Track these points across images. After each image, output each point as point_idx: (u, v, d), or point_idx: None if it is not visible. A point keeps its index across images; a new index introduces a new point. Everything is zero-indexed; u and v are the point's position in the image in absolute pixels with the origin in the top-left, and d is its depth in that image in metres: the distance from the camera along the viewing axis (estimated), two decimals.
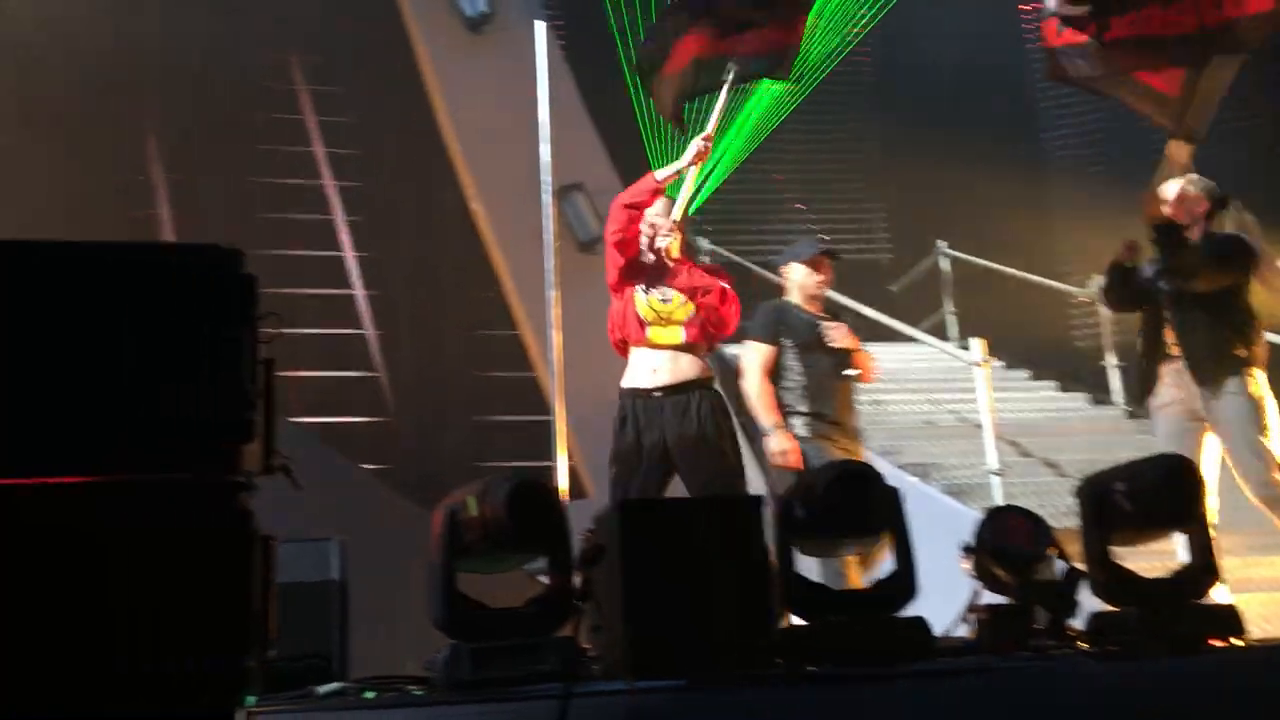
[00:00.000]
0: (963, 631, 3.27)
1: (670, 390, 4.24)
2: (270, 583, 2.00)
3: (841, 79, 10.35)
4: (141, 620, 1.87)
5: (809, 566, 3.33)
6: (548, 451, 5.75)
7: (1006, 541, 3.21)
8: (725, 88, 4.85)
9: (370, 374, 8.22)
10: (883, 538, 3.05)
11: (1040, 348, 8.65)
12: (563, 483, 5.47)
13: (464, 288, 8.35)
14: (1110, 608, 3.11)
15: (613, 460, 4.26)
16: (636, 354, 4.34)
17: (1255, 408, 4.29)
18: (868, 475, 2.93)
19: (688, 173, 4.53)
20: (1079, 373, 8.67)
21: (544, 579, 2.84)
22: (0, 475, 1.90)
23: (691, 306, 4.31)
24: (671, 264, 4.41)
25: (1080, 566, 3.14)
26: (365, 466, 7.34)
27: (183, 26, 8.30)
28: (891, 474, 6.08)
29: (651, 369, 4.28)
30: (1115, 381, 7.91)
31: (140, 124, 8.33)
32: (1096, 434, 7.40)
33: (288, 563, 2.55)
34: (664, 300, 4.33)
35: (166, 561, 1.89)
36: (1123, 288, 4.64)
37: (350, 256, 8.54)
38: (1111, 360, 7.93)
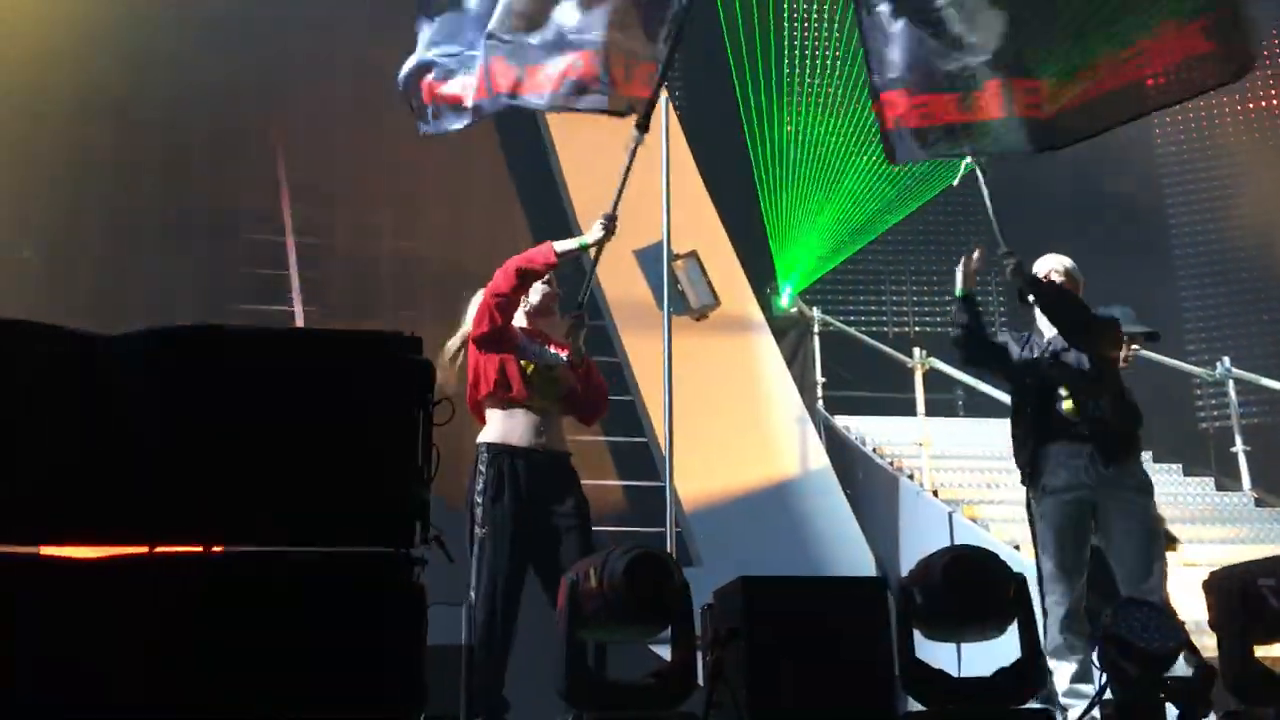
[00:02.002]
0: None
1: (552, 457, 4.15)
2: (424, 650, 2.09)
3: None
4: (321, 685, 1.97)
5: None
6: (659, 517, 5.78)
7: (1135, 635, 3.12)
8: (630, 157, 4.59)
9: None
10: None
11: (1164, 431, 8.41)
12: (670, 549, 5.48)
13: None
14: (1246, 708, 3.00)
15: (489, 521, 4.06)
16: (514, 412, 4.17)
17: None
18: (985, 561, 2.90)
19: (590, 252, 4.36)
20: (1204, 457, 8.41)
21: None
22: (189, 542, 2.05)
23: (570, 376, 4.24)
24: (544, 325, 4.36)
25: (1213, 663, 3.05)
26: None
27: (322, 93, 8.71)
28: (1008, 558, 5.97)
29: (536, 431, 4.15)
30: (1244, 467, 7.64)
31: (277, 187, 8.71)
32: (1222, 522, 7.16)
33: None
34: (547, 365, 4.24)
35: (341, 633, 2.00)
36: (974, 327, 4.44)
37: None
38: (1241, 445, 7.67)
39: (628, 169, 4.57)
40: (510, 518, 4.03)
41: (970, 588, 2.85)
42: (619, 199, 4.46)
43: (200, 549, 2.08)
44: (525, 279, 4.20)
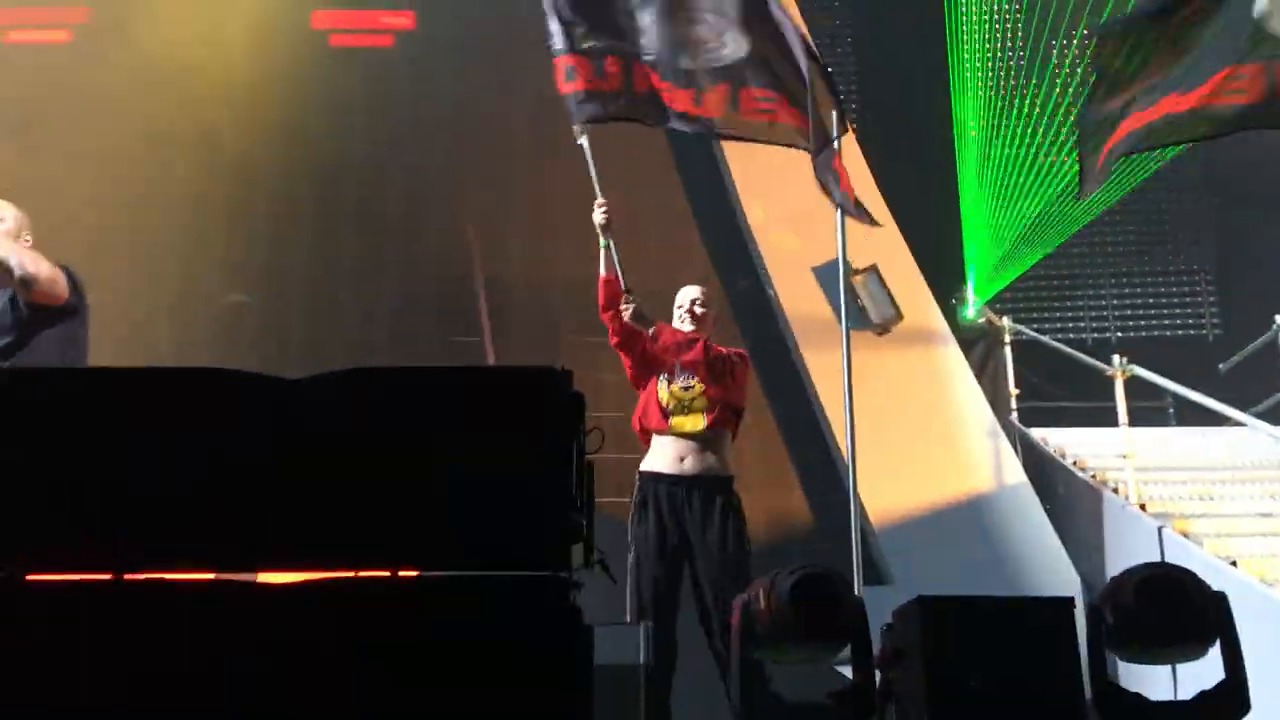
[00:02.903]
0: None
1: (695, 482, 4.24)
2: (590, 670, 2.17)
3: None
4: (479, 707, 2.08)
5: None
6: (847, 535, 5.69)
7: None
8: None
9: None
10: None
11: None
12: (857, 568, 5.39)
13: (761, 371, 8.49)
14: None
15: (632, 546, 4.25)
16: (660, 441, 4.35)
17: None
18: (1181, 579, 2.74)
19: (609, 243, 4.57)
20: None
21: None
22: (356, 568, 2.21)
23: (711, 394, 4.31)
24: (697, 343, 4.38)
25: None
26: None
27: (502, 127, 9.05)
28: (1224, 574, 5.61)
29: (678, 457, 4.27)
30: None
31: (462, 223, 9.08)
32: None
33: (595, 645, 2.67)
34: (685, 388, 4.34)
35: (504, 651, 2.11)
36: None
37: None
38: None
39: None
40: (651, 542, 4.21)
41: (1164, 608, 2.71)
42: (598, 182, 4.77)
43: (389, 573, 2.23)
44: (607, 310, 4.47)
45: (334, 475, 2.26)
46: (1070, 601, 2.80)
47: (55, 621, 2.20)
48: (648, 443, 4.43)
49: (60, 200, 8.32)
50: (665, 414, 4.34)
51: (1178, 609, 2.71)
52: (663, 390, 4.39)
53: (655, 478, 4.30)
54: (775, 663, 2.86)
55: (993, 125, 9.37)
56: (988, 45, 9.59)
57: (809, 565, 2.73)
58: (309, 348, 8.35)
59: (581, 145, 4.86)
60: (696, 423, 4.30)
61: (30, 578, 2.22)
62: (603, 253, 4.61)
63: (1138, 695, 2.93)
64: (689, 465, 4.27)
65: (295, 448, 2.29)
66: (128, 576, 2.24)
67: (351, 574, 2.23)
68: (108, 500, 2.26)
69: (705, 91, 5.00)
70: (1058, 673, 2.68)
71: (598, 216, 4.62)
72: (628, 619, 4.10)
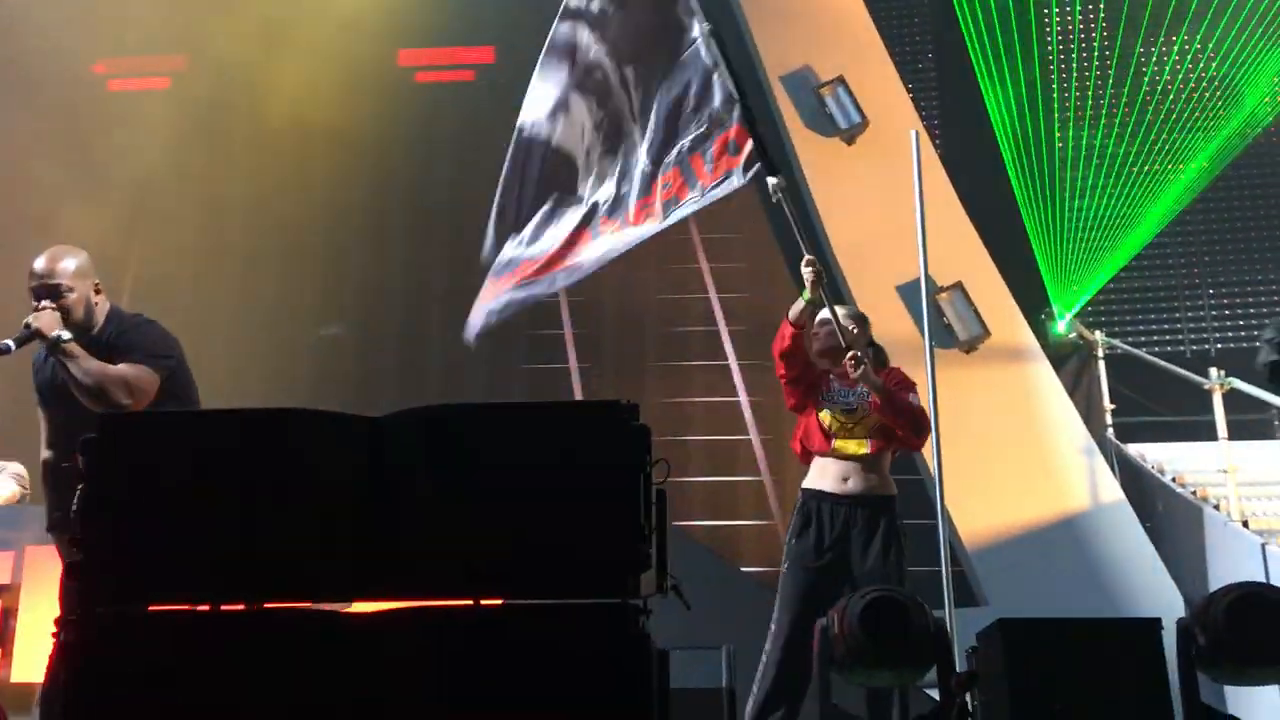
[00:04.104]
0: None
1: (859, 502, 4.24)
2: (665, 694, 2.21)
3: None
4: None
5: None
6: (934, 556, 5.64)
7: None
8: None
9: (754, 478, 8.44)
10: None
11: None
12: (947, 590, 5.33)
13: None
14: None
15: (789, 558, 4.27)
16: (822, 461, 4.36)
17: None
18: (1275, 599, 2.68)
19: (819, 299, 4.39)
20: None
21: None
22: (435, 596, 2.31)
23: (875, 417, 4.30)
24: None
25: None
26: (748, 570, 7.51)
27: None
28: None
29: (841, 477, 4.29)
30: None
31: None
32: None
33: (678, 670, 2.71)
34: (847, 410, 4.36)
35: (573, 676, 2.18)
36: None
37: (734, 365, 8.90)
38: None
39: (795, 217, 4.57)
40: (809, 554, 4.23)
41: (1256, 628, 2.65)
42: (801, 240, 4.53)
43: (472, 602, 2.32)
44: (786, 359, 4.41)
45: (418, 509, 2.35)
46: (1157, 622, 2.76)
47: (168, 649, 2.33)
48: (808, 462, 4.48)
49: (166, 240, 8.70)
50: (828, 436, 4.38)
51: (1270, 629, 2.65)
52: (824, 414, 4.42)
53: (820, 496, 4.35)
54: (855, 683, 2.86)
55: (1075, 137, 9.23)
56: (1078, 57, 9.46)
57: (881, 589, 2.75)
58: (400, 376, 8.56)
59: (779, 198, 4.57)
60: (860, 447, 4.35)
61: (152, 609, 2.36)
62: (805, 306, 4.42)
63: (1233, 717, 2.87)
64: (853, 485, 4.31)
65: (382, 483, 2.40)
66: (224, 607, 2.36)
67: (437, 603, 2.32)
68: (208, 535, 2.37)
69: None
70: (1146, 694, 2.64)
71: (808, 274, 4.42)
72: (771, 628, 4.17)
